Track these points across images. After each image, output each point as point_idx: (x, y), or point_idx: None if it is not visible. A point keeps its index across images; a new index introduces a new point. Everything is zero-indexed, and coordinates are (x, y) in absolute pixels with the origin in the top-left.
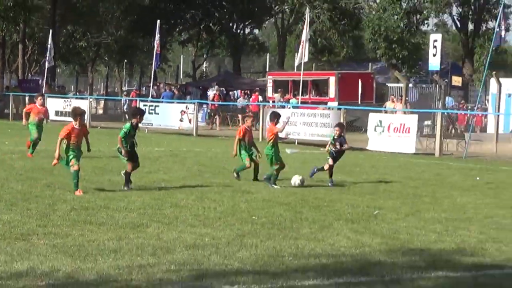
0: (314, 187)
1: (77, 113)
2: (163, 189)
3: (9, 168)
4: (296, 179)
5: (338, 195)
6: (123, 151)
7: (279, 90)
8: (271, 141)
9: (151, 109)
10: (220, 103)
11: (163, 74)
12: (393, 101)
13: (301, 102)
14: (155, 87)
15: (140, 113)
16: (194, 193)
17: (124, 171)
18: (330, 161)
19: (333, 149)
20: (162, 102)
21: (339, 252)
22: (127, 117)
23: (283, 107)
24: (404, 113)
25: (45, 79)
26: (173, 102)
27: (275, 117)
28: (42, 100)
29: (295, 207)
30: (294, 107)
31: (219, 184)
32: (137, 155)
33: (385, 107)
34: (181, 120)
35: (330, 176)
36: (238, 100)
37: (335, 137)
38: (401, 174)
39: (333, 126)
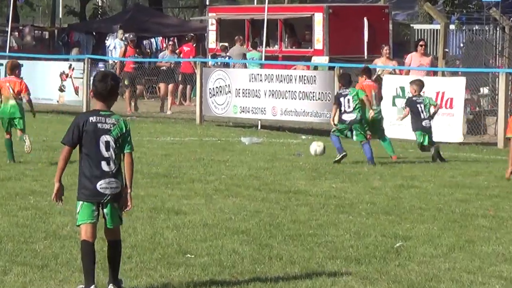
0: (294, 201)
1: None
2: (32, 208)
3: None
4: (315, 147)
5: (332, 215)
6: None
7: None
8: None
9: None
10: (138, 59)
11: (30, 12)
12: (387, 58)
13: (267, 58)
14: (16, 33)
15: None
16: None
17: None
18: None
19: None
20: (28, 59)
21: None
22: None
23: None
24: (443, 74)
25: None
26: (48, 59)
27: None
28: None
29: (260, 236)
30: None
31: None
32: None
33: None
34: (61, 90)
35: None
36: (160, 55)
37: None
38: (440, 177)
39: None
